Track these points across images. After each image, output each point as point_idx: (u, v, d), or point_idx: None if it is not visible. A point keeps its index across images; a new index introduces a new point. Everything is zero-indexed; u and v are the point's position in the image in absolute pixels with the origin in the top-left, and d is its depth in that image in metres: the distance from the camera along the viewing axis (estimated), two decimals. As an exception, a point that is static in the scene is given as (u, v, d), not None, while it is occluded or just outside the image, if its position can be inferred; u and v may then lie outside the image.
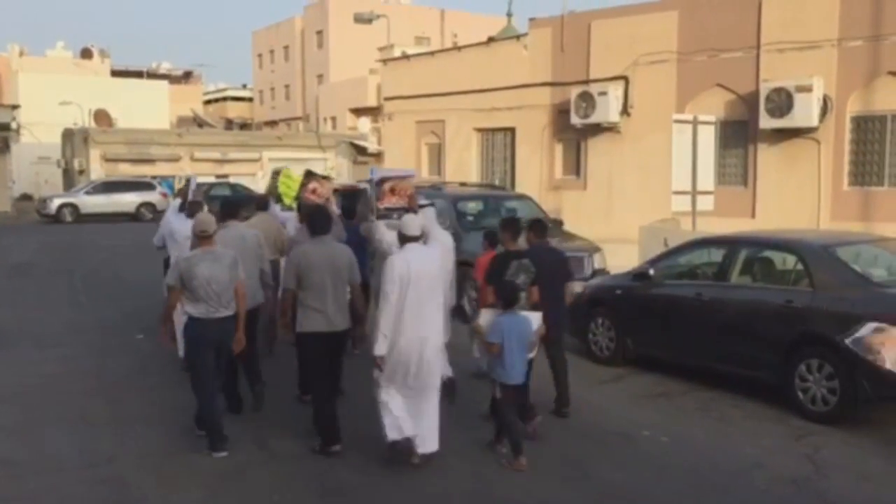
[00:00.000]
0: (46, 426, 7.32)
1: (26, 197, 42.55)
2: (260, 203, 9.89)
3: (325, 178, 10.93)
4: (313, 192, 9.64)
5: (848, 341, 6.96)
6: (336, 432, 6.51)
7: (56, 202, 32.84)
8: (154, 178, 32.96)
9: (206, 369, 6.49)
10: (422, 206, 7.98)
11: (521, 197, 15.46)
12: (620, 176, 19.42)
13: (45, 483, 6.05)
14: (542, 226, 7.82)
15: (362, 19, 33.35)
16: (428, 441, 6.23)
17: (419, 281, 6.09)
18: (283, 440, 6.91)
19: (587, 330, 9.64)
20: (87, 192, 32.68)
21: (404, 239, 6.37)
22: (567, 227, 13.88)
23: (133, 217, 31.21)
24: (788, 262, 8.32)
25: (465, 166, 23.60)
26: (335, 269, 6.49)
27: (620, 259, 12.52)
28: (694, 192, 13.41)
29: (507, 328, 6.26)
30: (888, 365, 6.74)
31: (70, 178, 38.95)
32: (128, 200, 31.78)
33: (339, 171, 40.58)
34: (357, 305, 6.63)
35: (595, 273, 11.68)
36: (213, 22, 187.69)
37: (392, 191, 8.46)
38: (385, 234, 7.49)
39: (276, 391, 8.39)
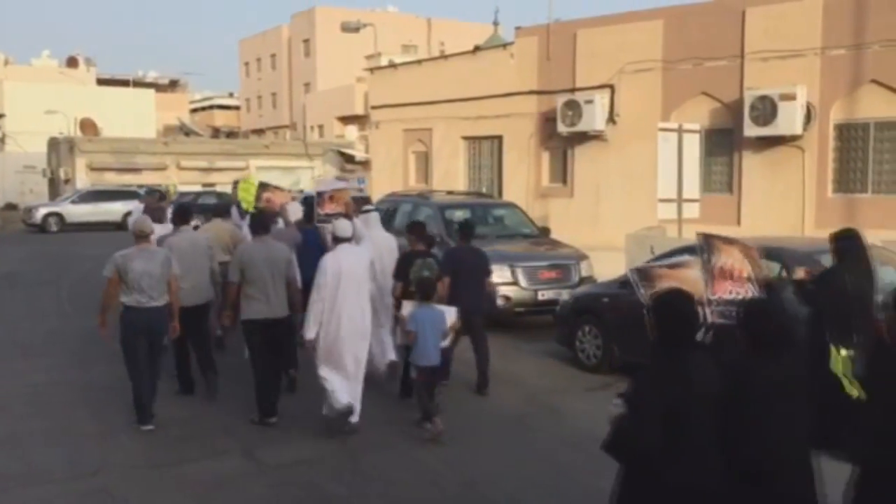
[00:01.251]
0: (32, 437, 7.28)
1: (11, 206, 42.29)
2: (218, 210, 10.61)
3: (277, 188, 12.00)
4: (267, 200, 10.72)
5: None
6: (273, 406, 7.44)
7: (41, 211, 32.66)
8: (140, 187, 32.87)
9: (136, 351, 7.29)
10: (366, 211, 9.23)
11: (508, 205, 15.50)
12: (607, 184, 19.51)
13: (31, 495, 6.02)
14: (469, 229, 9.09)
15: (349, 28, 33.43)
16: (357, 404, 7.20)
17: (349, 276, 7.10)
18: (271, 450, 6.91)
19: (574, 338, 9.68)
20: (73, 202, 32.54)
21: (337, 240, 7.41)
22: (554, 234, 13.92)
23: (119, 226, 30.92)
24: (773, 269, 8.38)
25: (452, 174, 23.64)
26: (274, 265, 7.40)
27: (607, 267, 12.57)
28: (679, 200, 13.49)
29: (422, 318, 7.17)
30: None
31: (55, 188, 38.75)
32: (114, 209, 31.63)
33: (326, 178, 40.56)
34: (292, 297, 7.51)
35: (582, 281, 11.72)
36: (199, 30, 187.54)
37: (331, 199, 9.80)
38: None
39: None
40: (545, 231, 13.83)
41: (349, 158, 41.89)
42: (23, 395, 8.61)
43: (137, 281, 7.22)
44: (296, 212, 9.88)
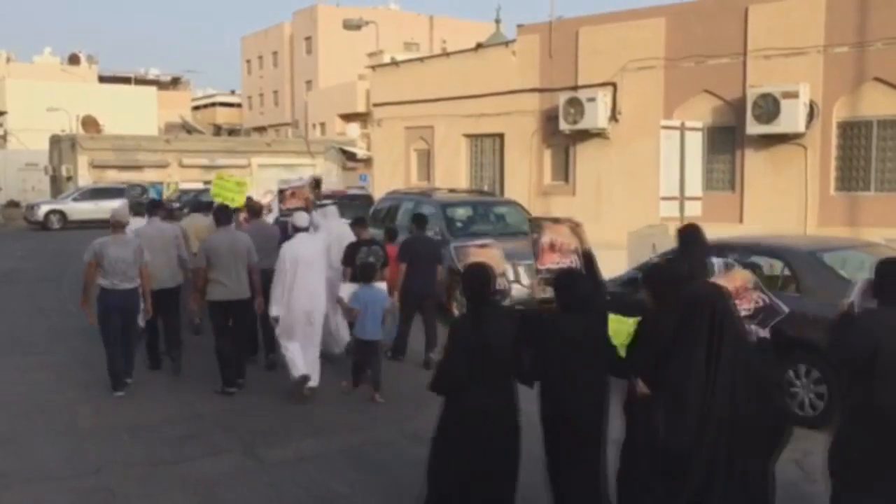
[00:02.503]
0: (33, 435, 7.27)
1: (13, 203, 42.29)
2: (196, 206, 11.76)
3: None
4: (292, 195, 11.69)
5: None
6: (233, 377, 8.41)
7: (43, 209, 32.66)
8: (138, 185, 32.87)
9: (111, 328, 8.31)
10: (324, 205, 10.58)
11: (510, 202, 15.49)
12: (609, 182, 19.48)
13: (32, 493, 6.01)
14: (423, 221, 10.29)
15: (351, 25, 33.38)
16: (315, 374, 8.21)
17: (305, 261, 8.13)
18: (272, 448, 6.90)
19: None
20: (75, 199, 32.53)
21: (295, 230, 8.58)
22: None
23: (121, 223, 30.97)
24: (776, 267, 8.36)
25: (454, 172, 23.61)
26: (235, 252, 8.35)
27: (609, 265, 12.52)
28: (682, 198, 13.44)
29: (363, 298, 8.22)
30: None
31: (57, 185, 38.75)
32: (116, 207, 31.58)
33: (329, 176, 40.52)
34: (253, 281, 8.46)
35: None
36: (201, 28, 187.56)
37: (292, 195, 11.08)
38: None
39: (264, 400, 8.38)
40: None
41: (351, 156, 41.85)
42: (23, 393, 8.60)
43: (112, 266, 8.24)
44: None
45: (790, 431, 4.05)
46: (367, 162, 35.49)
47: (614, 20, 19.51)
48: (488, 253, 6.40)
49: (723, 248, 8.83)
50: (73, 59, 63.77)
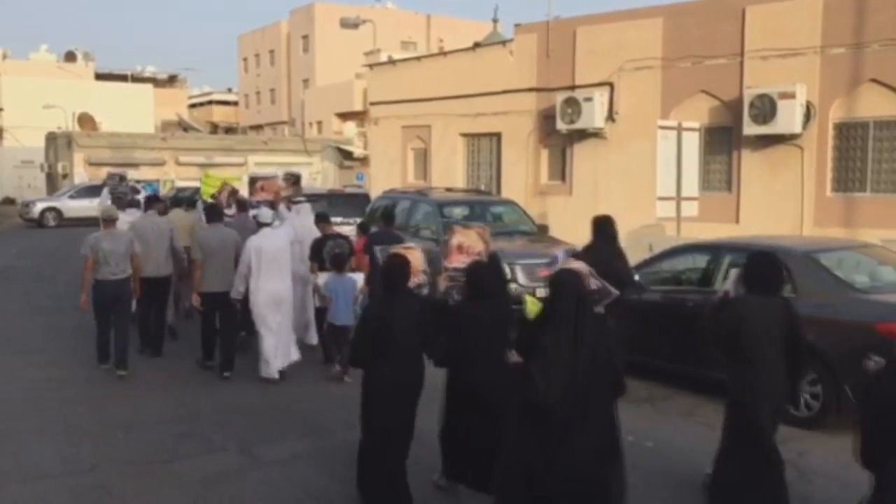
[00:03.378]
0: (28, 433, 7.26)
1: (9, 201, 42.26)
2: (176, 201, 12.64)
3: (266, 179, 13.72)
4: (261, 189, 12.55)
5: None
6: (212, 352, 9.32)
7: (39, 206, 32.63)
8: (138, 182, 32.82)
9: (104, 314, 9.14)
10: (298, 202, 11.26)
11: (507, 202, 15.49)
12: (606, 181, 19.47)
13: (27, 491, 6.00)
14: (390, 216, 10.93)
15: (348, 24, 33.34)
16: (291, 355, 9.03)
17: (268, 254, 8.80)
18: (267, 447, 6.90)
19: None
20: (71, 196, 32.49)
21: (259, 225, 9.56)
22: (552, 232, 13.90)
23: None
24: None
25: (451, 171, 23.59)
26: (224, 246, 9.14)
27: (605, 265, 12.51)
28: (678, 198, 13.49)
29: (335, 286, 8.93)
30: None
31: (53, 182, 38.69)
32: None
33: (326, 175, 40.51)
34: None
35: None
36: (198, 26, 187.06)
37: (262, 188, 11.79)
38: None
39: (259, 399, 8.39)
40: (544, 228, 13.83)
41: (347, 155, 41.85)
42: (18, 392, 8.59)
43: (106, 258, 8.92)
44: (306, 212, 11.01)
45: (625, 385, 4.77)
46: (364, 161, 35.48)
47: (611, 20, 19.50)
48: (411, 254, 7.02)
49: (719, 249, 8.86)
50: (70, 57, 63.59)
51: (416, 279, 6.63)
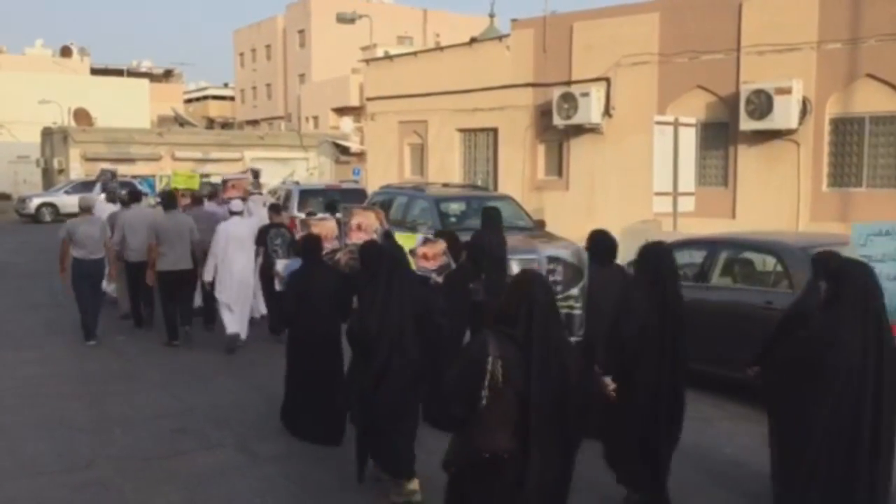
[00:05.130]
0: (25, 429, 7.25)
1: (5, 196, 42.14)
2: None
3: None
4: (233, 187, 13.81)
5: None
6: (175, 331, 10.35)
7: (35, 202, 32.54)
8: (135, 177, 32.77)
9: (82, 290, 10.32)
10: (260, 193, 13.53)
11: (504, 197, 15.47)
12: (602, 177, 19.48)
13: (24, 487, 6.00)
14: (334, 206, 11.32)
15: (345, 19, 33.30)
16: (243, 331, 10.24)
17: (235, 239, 10.13)
18: (264, 443, 6.90)
19: (569, 331, 9.69)
20: (67, 192, 32.37)
21: (231, 213, 10.59)
22: (549, 227, 13.89)
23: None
24: (768, 263, 8.39)
25: (447, 167, 23.58)
26: (179, 231, 10.26)
27: (602, 260, 12.50)
28: (675, 194, 13.48)
29: (291, 269, 9.34)
30: None
31: (49, 178, 38.57)
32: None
33: (322, 170, 40.44)
34: (195, 253, 10.34)
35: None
36: (194, 20, 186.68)
37: (233, 186, 13.32)
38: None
39: (256, 395, 8.38)
40: (540, 224, 13.81)
41: (344, 150, 41.77)
42: (14, 388, 8.58)
43: (82, 240, 10.20)
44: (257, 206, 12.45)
45: (444, 328, 5.82)
46: (361, 156, 35.43)
47: (608, 15, 19.49)
48: (326, 225, 8.34)
49: (715, 244, 8.87)
50: (65, 52, 63.45)
51: (330, 244, 8.07)
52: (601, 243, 6.55)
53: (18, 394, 8.34)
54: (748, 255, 8.65)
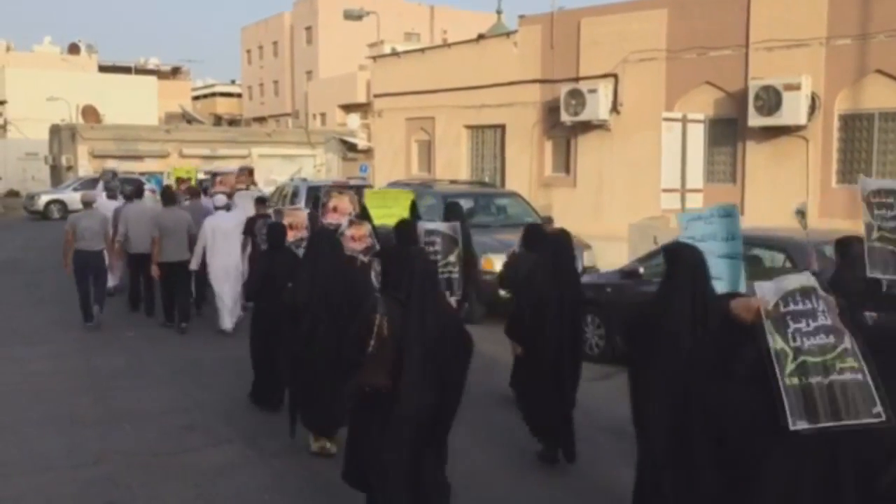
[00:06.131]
0: (34, 425, 7.27)
1: (13, 193, 42.23)
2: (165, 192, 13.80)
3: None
4: (221, 182, 14.88)
5: None
6: (172, 313, 11.30)
7: (44, 199, 32.63)
8: (143, 174, 32.84)
9: (83, 279, 11.17)
10: (246, 190, 13.78)
11: (511, 194, 15.47)
12: (610, 173, 19.43)
13: (33, 483, 6.02)
14: (315, 202, 12.16)
15: (352, 16, 33.28)
16: (233, 317, 11.03)
17: (221, 232, 10.91)
18: (274, 439, 6.90)
19: (577, 328, 9.68)
20: (75, 189, 32.43)
21: (216, 208, 11.87)
22: (557, 224, 13.85)
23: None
24: (777, 259, 8.37)
25: (454, 163, 23.56)
26: (177, 226, 11.12)
27: (610, 257, 12.55)
28: (683, 190, 13.42)
29: None
30: None
31: (58, 175, 38.68)
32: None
33: (329, 166, 40.47)
34: (191, 245, 11.08)
35: (585, 271, 11.69)
36: (201, 17, 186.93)
37: (220, 182, 14.26)
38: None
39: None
40: (548, 220, 13.78)
41: (351, 147, 41.78)
42: (23, 383, 8.61)
43: (83, 233, 11.08)
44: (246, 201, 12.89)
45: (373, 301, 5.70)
46: (368, 153, 35.44)
47: (616, 11, 19.43)
48: (297, 214, 9.02)
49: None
50: (73, 49, 63.58)
51: (300, 233, 8.80)
52: (528, 232, 7.83)
53: (27, 389, 8.37)
54: (756, 251, 8.63)
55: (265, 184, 26.07)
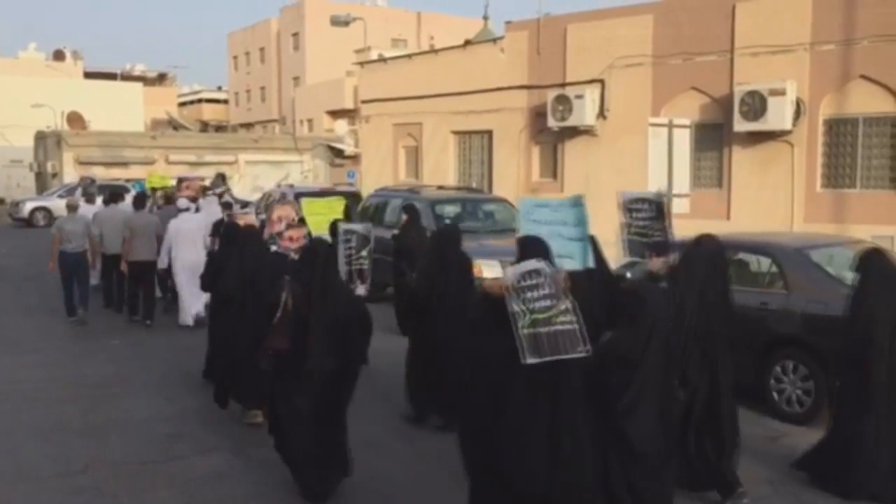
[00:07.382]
0: (21, 433, 7.23)
1: (-2, 200, 41.95)
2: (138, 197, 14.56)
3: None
4: (187, 187, 15.20)
5: None
6: (136, 308, 12.27)
7: (29, 206, 32.41)
8: (128, 181, 32.66)
9: (69, 278, 12.12)
10: (215, 193, 14.27)
11: (499, 200, 15.49)
12: (597, 178, 19.49)
13: (20, 492, 5.98)
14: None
15: (339, 22, 33.22)
16: (199, 309, 11.58)
17: (185, 233, 11.72)
18: (261, 448, 6.87)
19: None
20: (61, 196, 32.21)
21: (178, 211, 12.66)
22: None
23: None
24: (763, 264, 8.40)
25: (442, 169, 23.59)
26: (145, 228, 12.20)
27: (597, 262, 12.49)
28: (670, 195, 13.48)
29: None
30: None
31: (43, 182, 38.38)
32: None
33: (317, 173, 40.38)
34: (159, 246, 12.03)
35: (572, 276, 11.71)
36: (187, 23, 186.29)
37: (187, 187, 14.89)
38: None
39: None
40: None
41: (339, 153, 41.69)
42: (11, 392, 8.55)
43: (67, 236, 12.03)
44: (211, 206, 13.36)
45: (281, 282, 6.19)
46: (356, 159, 35.38)
47: (602, 17, 19.52)
48: (247, 217, 9.58)
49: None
50: (59, 55, 63.20)
51: (298, 243, 8.96)
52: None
53: (14, 398, 8.31)
54: (743, 256, 8.66)
55: (252, 190, 25.86)
